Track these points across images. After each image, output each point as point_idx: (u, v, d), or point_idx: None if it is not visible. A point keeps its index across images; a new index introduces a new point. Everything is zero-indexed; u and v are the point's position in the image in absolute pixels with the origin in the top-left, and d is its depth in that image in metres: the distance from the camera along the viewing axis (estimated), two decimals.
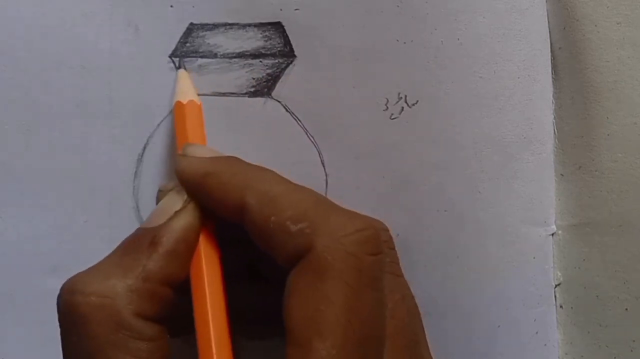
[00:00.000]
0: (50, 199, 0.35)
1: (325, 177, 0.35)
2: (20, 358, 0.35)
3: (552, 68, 0.36)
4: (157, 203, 0.31)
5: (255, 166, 0.30)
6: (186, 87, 0.34)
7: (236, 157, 0.30)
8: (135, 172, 0.35)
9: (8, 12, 0.34)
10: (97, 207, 0.35)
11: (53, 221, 0.35)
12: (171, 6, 0.34)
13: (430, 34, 0.35)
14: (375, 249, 0.27)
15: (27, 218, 0.35)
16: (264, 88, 0.35)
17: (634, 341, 0.36)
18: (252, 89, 0.35)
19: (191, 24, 0.35)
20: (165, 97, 0.35)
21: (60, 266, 0.35)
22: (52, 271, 0.35)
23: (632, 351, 0.36)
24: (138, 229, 0.29)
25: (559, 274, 0.37)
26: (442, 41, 0.35)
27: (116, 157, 0.35)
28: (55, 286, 0.35)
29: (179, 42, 0.35)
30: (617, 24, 0.35)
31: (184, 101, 0.33)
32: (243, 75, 0.35)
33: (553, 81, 0.36)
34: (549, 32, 0.36)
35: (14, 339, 0.35)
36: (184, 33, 0.35)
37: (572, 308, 0.37)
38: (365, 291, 0.26)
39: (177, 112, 0.33)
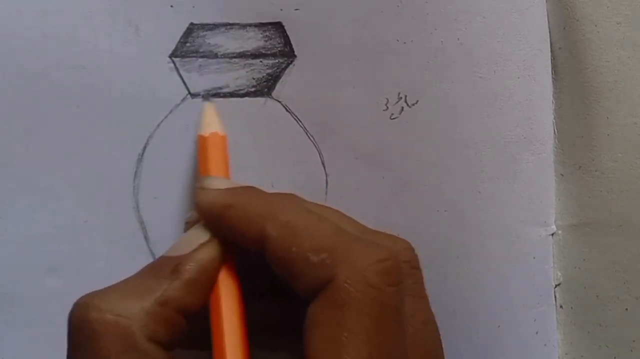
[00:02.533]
0: (50, 199, 0.35)
1: (325, 178, 0.35)
2: (20, 358, 0.35)
3: (552, 68, 0.36)
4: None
5: (275, 194, 0.30)
6: (210, 119, 0.34)
7: (254, 187, 0.30)
8: (135, 172, 0.35)
9: (8, 12, 0.34)
10: (97, 207, 0.35)
11: (53, 221, 0.35)
12: (171, 6, 0.34)
13: (430, 34, 0.35)
14: (396, 279, 0.27)
15: (27, 218, 0.35)
16: (264, 88, 0.35)
17: (634, 341, 0.36)
18: (253, 89, 0.35)
19: (191, 24, 0.35)
20: (165, 97, 0.35)
21: (60, 266, 0.35)
22: (52, 271, 0.35)
23: (632, 351, 0.36)
24: (160, 257, 0.29)
25: (559, 274, 0.37)
26: (442, 41, 0.35)
27: (116, 157, 0.35)
28: (55, 286, 0.35)
29: (179, 42, 0.35)
30: (617, 24, 0.35)
31: (206, 134, 0.33)
32: (243, 75, 0.35)
33: (553, 81, 0.36)
34: (549, 32, 0.36)
35: (14, 339, 0.35)
36: (184, 33, 0.35)
37: (572, 308, 0.37)
38: (387, 323, 0.26)
39: (200, 145, 0.33)
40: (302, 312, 0.28)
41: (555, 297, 0.37)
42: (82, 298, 0.27)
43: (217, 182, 0.31)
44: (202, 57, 0.35)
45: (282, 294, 0.31)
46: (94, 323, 0.26)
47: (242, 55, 0.35)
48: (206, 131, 0.33)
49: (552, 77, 0.36)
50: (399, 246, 0.28)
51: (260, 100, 0.35)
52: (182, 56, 0.35)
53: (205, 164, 0.33)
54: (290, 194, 0.30)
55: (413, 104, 0.35)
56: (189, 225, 0.31)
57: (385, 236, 0.29)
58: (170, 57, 0.35)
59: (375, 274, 0.26)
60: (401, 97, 0.35)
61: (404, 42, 0.35)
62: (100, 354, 0.26)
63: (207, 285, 0.28)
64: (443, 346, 0.29)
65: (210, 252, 0.29)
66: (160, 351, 0.26)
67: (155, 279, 0.28)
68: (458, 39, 0.35)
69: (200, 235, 0.29)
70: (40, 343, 0.35)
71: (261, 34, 0.35)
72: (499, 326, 0.36)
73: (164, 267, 0.28)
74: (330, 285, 0.26)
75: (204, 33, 0.35)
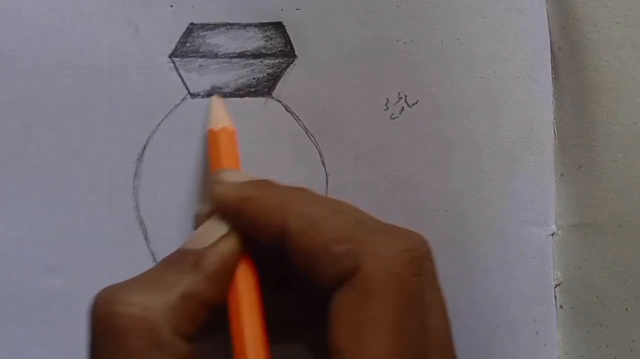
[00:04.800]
0: (50, 199, 0.35)
1: (325, 177, 0.35)
2: (20, 358, 0.35)
3: (552, 68, 0.36)
4: (194, 227, 0.30)
5: (292, 187, 0.30)
6: (219, 113, 0.34)
7: (271, 180, 0.30)
8: (135, 172, 0.35)
9: (8, 12, 0.34)
10: (97, 207, 0.35)
11: (53, 221, 0.35)
12: (171, 6, 0.34)
13: (430, 34, 0.35)
14: (420, 269, 0.27)
15: (27, 218, 0.35)
16: (265, 88, 0.35)
17: (634, 341, 0.36)
18: (253, 89, 0.35)
19: (191, 24, 0.35)
20: (165, 97, 0.35)
21: (60, 266, 0.35)
22: (52, 271, 0.35)
23: (632, 351, 0.36)
24: (179, 250, 0.29)
25: (559, 274, 0.37)
26: (442, 41, 0.35)
27: (116, 157, 0.35)
28: (55, 286, 0.35)
29: (179, 42, 0.35)
30: (617, 24, 0.35)
31: (217, 128, 0.33)
32: (244, 75, 0.35)
33: (553, 81, 0.36)
34: (549, 32, 0.36)
35: (14, 339, 0.35)
36: (184, 33, 0.35)
37: (572, 308, 0.37)
38: (411, 313, 0.26)
39: (210, 139, 0.33)
40: (318, 303, 0.28)
41: (555, 297, 0.37)
42: (103, 291, 0.27)
43: (232, 175, 0.31)
44: (202, 57, 0.35)
45: (294, 286, 0.31)
46: (120, 317, 0.26)
47: (242, 55, 0.35)
48: (216, 125, 0.33)
49: (552, 77, 0.36)
50: (416, 238, 0.28)
51: (260, 100, 0.35)
52: (182, 56, 0.35)
53: (217, 158, 0.32)
54: (304, 187, 0.30)
55: (413, 104, 0.35)
56: (199, 218, 0.30)
57: (400, 229, 0.28)
58: (170, 57, 0.35)
59: (399, 264, 0.26)
60: (401, 97, 0.35)
61: (404, 42, 0.35)
62: (126, 348, 0.25)
63: (228, 278, 0.28)
64: None
65: (231, 245, 0.29)
66: (184, 344, 0.26)
67: (177, 273, 0.27)
68: (458, 39, 0.35)
69: (218, 228, 0.29)
70: (40, 343, 0.35)
71: (262, 33, 0.35)
72: (499, 326, 0.36)
73: (186, 260, 0.28)
74: (354, 275, 0.26)
75: (204, 33, 0.35)
